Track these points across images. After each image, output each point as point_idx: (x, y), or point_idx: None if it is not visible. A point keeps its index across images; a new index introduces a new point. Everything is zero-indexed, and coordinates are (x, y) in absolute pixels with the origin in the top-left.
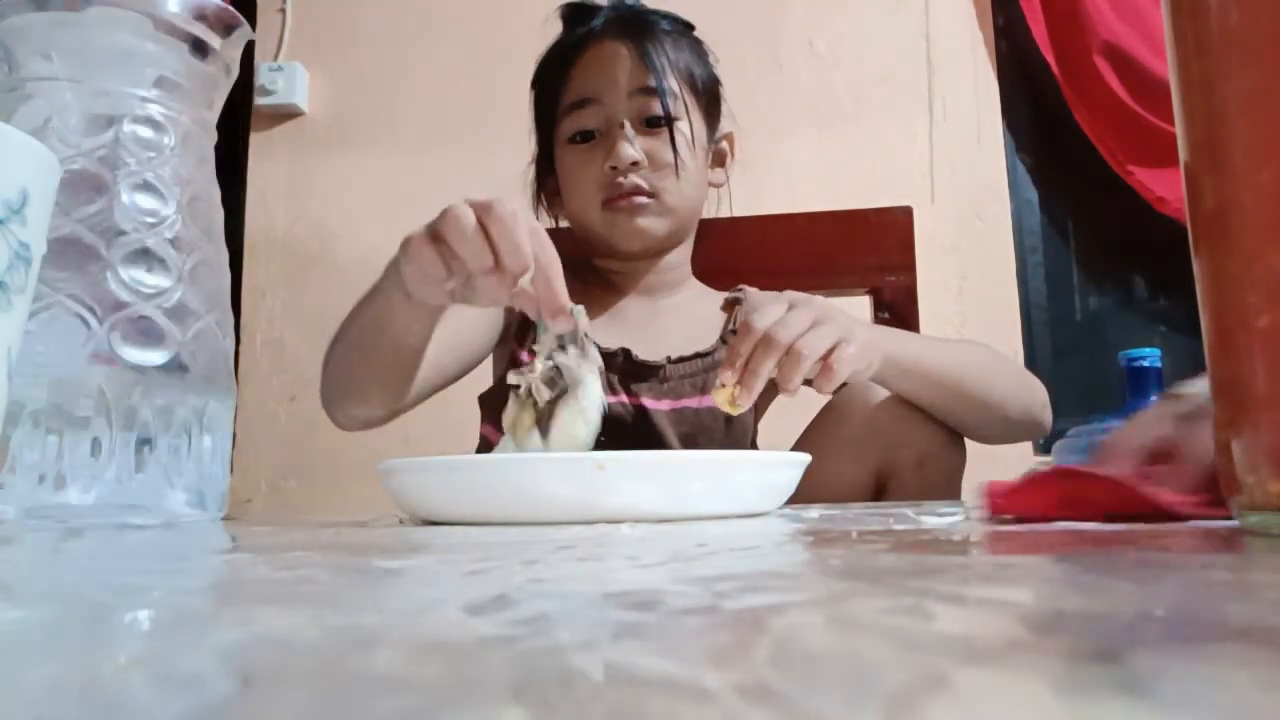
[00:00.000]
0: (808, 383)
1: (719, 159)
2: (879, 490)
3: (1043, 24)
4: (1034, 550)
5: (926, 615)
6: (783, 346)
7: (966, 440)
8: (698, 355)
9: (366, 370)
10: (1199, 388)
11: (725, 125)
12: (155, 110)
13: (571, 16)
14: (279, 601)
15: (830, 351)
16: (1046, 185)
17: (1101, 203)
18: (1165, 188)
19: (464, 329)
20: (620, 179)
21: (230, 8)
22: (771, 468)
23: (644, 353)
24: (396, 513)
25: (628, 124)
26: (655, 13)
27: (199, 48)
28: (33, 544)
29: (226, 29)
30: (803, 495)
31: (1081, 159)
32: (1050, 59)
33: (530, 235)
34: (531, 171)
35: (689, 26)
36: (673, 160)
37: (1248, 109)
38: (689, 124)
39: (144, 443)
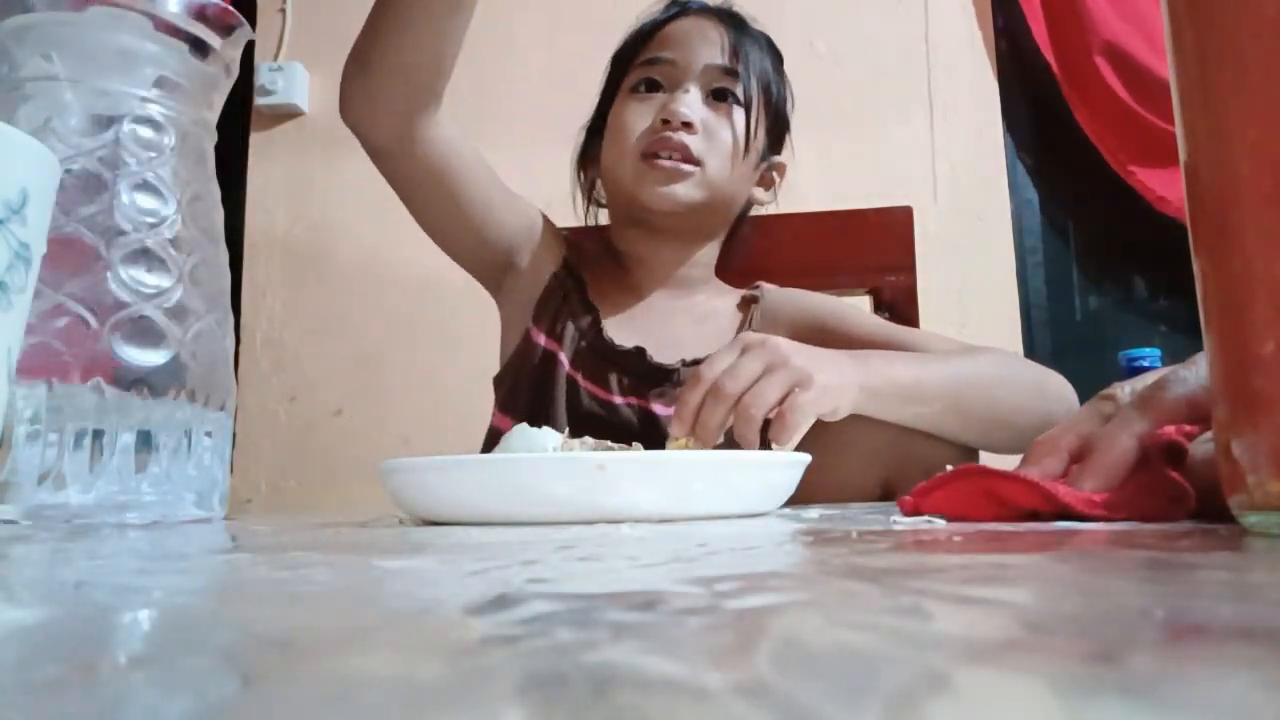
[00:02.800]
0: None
1: (766, 181)
2: (885, 500)
3: (1043, 24)
4: (1034, 550)
5: (926, 615)
6: (731, 397)
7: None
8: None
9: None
10: (1129, 389)
11: (783, 156)
12: (155, 110)
13: (670, 3)
14: (279, 601)
15: (784, 399)
16: (1046, 185)
17: (1101, 203)
18: (1166, 187)
19: (499, 191)
20: (669, 134)
21: (230, 8)
22: (771, 468)
23: (659, 354)
24: (396, 513)
25: (695, 88)
26: (755, 27)
27: (199, 48)
28: (33, 544)
29: (226, 29)
30: (804, 500)
31: (1081, 159)
32: (1050, 59)
33: None
34: (581, 140)
35: (781, 57)
36: (729, 139)
37: (1248, 109)
38: (753, 123)
39: (144, 443)
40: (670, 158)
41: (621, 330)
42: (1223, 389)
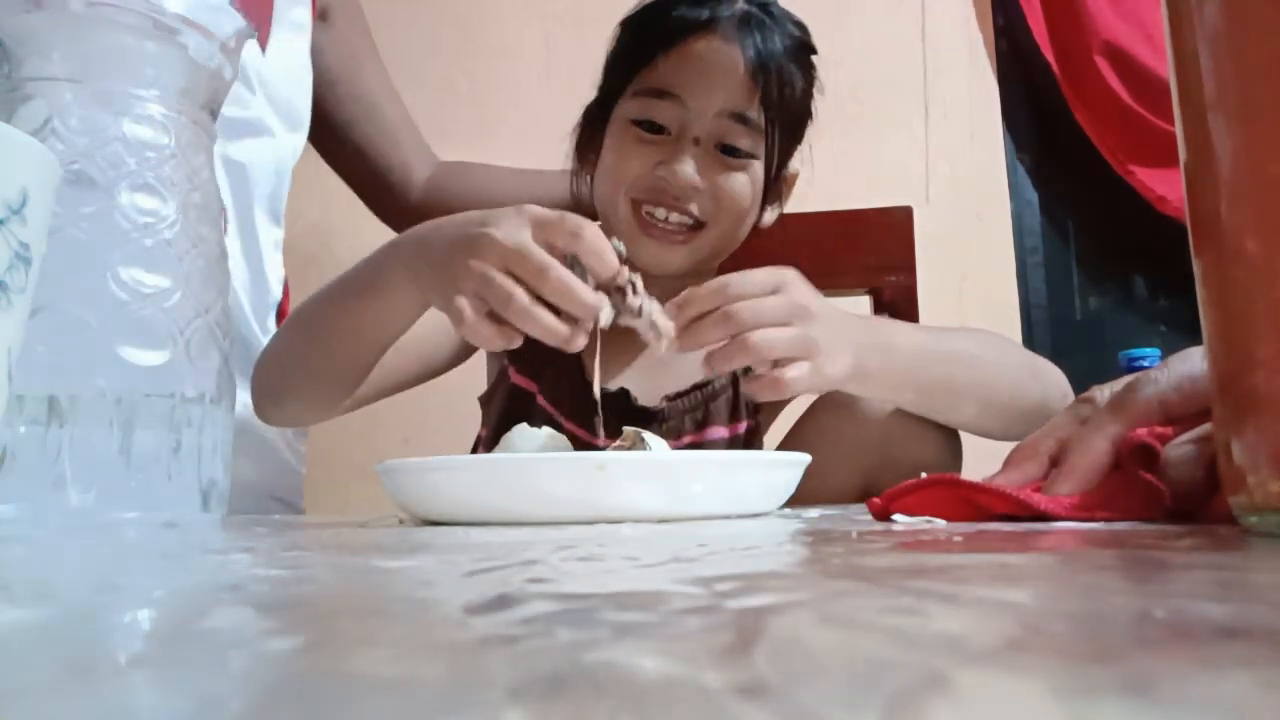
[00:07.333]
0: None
1: (773, 196)
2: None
3: (1043, 24)
4: (1034, 550)
5: (926, 615)
6: (741, 328)
7: (963, 441)
8: (696, 388)
9: (323, 361)
10: (1108, 392)
11: (794, 163)
12: (155, 110)
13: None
14: (279, 601)
15: (782, 362)
16: (1046, 185)
17: (1101, 203)
18: (1166, 187)
19: (420, 334)
20: (665, 185)
21: (230, 8)
22: (771, 468)
23: (644, 393)
24: (396, 513)
25: (704, 137)
26: (785, 23)
27: (199, 48)
28: (33, 544)
29: (227, 29)
30: (792, 499)
31: (1081, 159)
32: (1050, 59)
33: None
34: (578, 130)
35: (812, 50)
36: (739, 198)
37: (1249, 110)
38: (769, 162)
39: (144, 442)
40: (666, 217)
41: (606, 365)
42: (1222, 389)
